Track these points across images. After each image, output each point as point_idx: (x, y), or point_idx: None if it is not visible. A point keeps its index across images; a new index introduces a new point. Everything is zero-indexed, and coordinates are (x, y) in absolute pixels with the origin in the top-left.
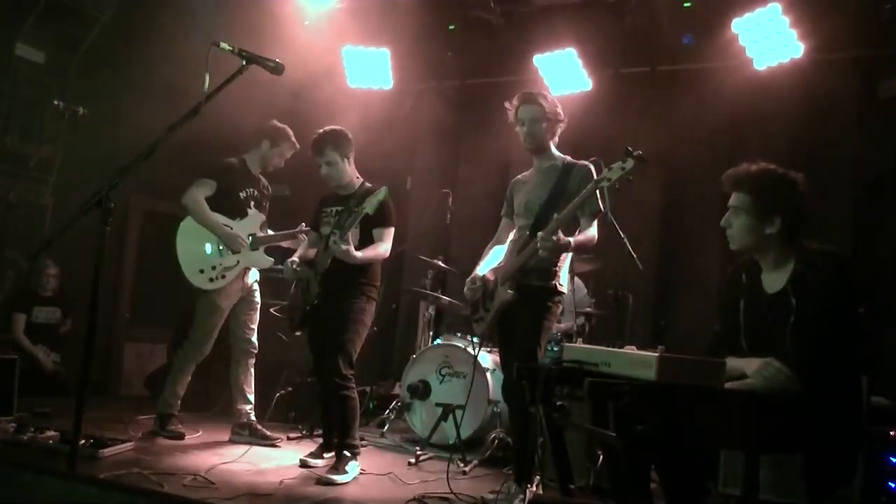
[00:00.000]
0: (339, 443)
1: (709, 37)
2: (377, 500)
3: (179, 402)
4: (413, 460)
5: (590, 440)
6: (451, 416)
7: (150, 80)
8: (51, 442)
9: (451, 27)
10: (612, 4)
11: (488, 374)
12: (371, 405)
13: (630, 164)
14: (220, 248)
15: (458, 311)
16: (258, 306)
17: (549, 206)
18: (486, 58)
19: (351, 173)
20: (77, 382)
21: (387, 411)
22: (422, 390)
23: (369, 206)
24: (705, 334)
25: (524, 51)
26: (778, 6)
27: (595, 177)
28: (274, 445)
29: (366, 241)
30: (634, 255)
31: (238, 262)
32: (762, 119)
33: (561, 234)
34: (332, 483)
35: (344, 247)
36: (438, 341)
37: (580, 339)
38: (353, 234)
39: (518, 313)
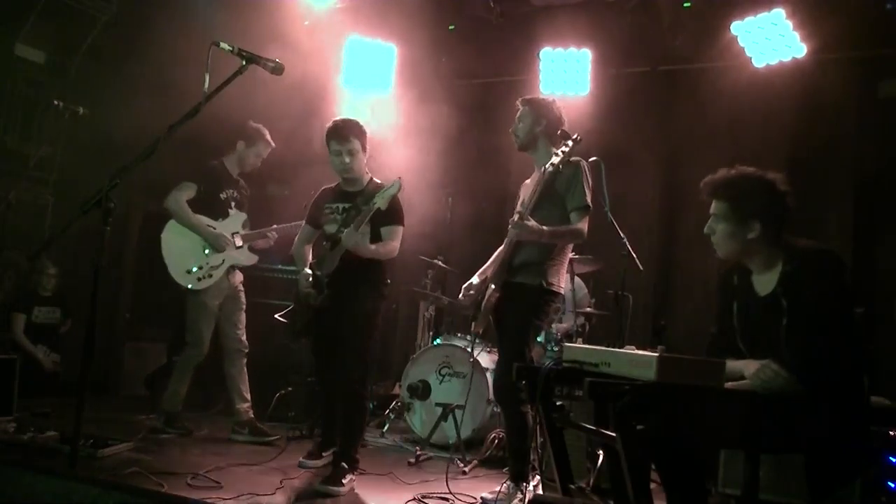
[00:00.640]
0: (341, 451)
1: (709, 37)
2: (377, 500)
3: (181, 401)
4: (413, 460)
5: (590, 440)
6: (451, 416)
7: (150, 80)
8: (51, 442)
9: (451, 27)
10: (612, 4)
11: (488, 374)
12: (371, 405)
13: (570, 146)
14: (205, 248)
15: (458, 311)
16: (244, 306)
17: (540, 202)
18: (485, 57)
19: (364, 168)
20: (77, 382)
21: (387, 411)
22: (422, 390)
23: (381, 201)
24: (705, 334)
25: (524, 51)
26: (781, 11)
27: (584, 172)
28: (273, 444)
29: (375, 239)
30: (634, 255)
31: (223, 260)
32: (762, 119)
33: (533, 221)
34: (328, 494)
35: (357, 238)
36: (438, 341)
37: (580, 339)
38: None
39: (507, 311)
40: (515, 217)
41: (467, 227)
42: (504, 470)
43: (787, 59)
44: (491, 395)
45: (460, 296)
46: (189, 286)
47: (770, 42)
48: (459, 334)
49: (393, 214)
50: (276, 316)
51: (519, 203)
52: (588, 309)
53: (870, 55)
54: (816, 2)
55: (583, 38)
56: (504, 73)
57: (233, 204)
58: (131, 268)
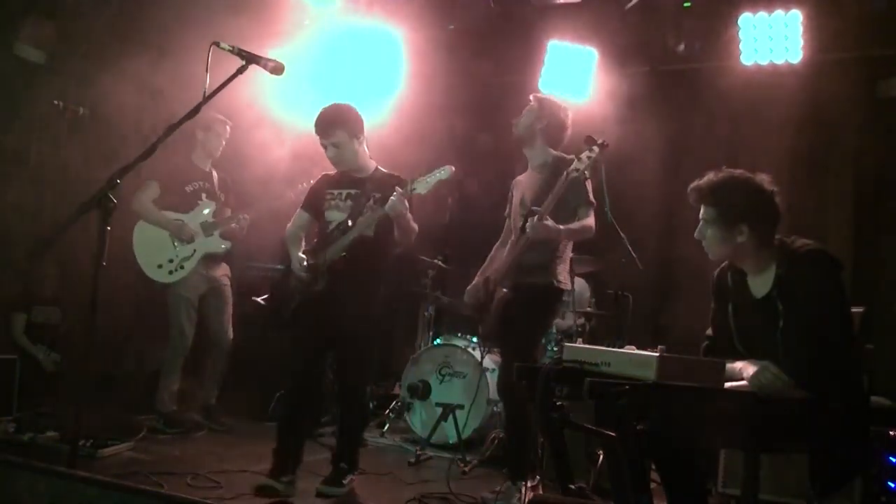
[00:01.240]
0: (341, 452)
1: (709, 37)
2: (377, 500)
3: (176, 398)
4: (413, 460)
5: (590, 440)
6: (451, 416)
7: (151, 80)
8: (51, 442)
9: (451, 27)
10: (612, 4)
11: (488, 374)
12: (371, 405)
13: (596, 152)
14: (174, 241)
15: (458, 311)
16: (230, 300)
17: (538, 201)
18: (485, 57)
19: (364, 156)
20: (77, 382)
21: (387, 411)
22: (422, 390)
23: (423, 186)
24: (702, 337)
25: (524, 51)
26: (799, 13)
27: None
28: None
29: (382, 224)
30: (634, 255)
31: (194, 250)
32: (762, 119)
33: (551, 221)
34: (329, 495)
35: (546, 222)
36: (438, 341)
37: (580, 339)
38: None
39: (516, 311)
40: (535, 218)
41: (467, 227)
42: (504, 470)
43: (780, 62)
44: (491, 395)
45: (466, 298)
46: (162, 280)
47: (770, 42)
48: (459, 334)
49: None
50: (258, 299)
51: (517, 202)
52: (588, 309)
53: (870, 55)
54: (817, 1)
55: (582, 39)
56: (504, 72)
57: (203, 196)
58: (131, 268)
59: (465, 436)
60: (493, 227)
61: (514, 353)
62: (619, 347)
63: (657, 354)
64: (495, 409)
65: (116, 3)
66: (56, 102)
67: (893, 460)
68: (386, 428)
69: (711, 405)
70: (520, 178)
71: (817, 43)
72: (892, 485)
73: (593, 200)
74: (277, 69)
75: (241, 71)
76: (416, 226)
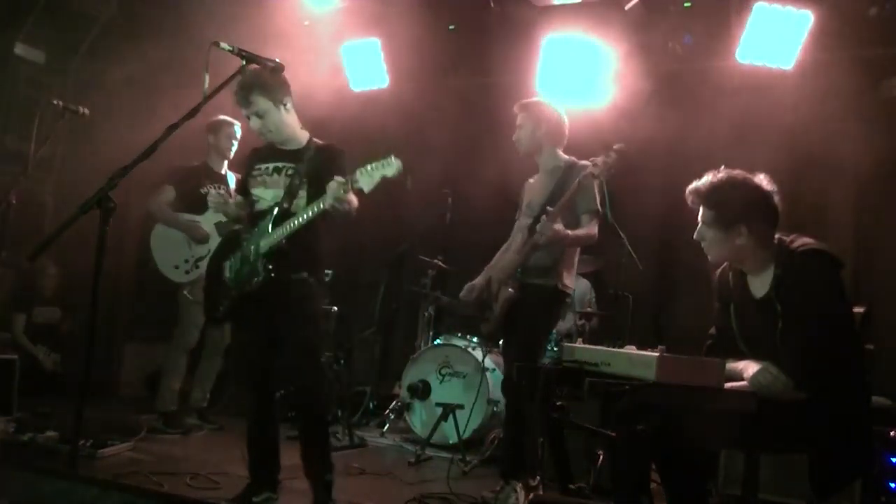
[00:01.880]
0: (317, 473)
1: (709, 37)
2: (377, 500)
3: (177, 398)
4: (413, 460)
5: (590, 440)
6: (451, 416)
7: (150, 80)
8: (51, 442)
9: (451, 27)
10: (612, 4)
11: (488, 374)
12: (371, 405)
13: (612, 157)
14: (189, 242)
15: (458, 311)
16: None
17: (550, 205)
18: (486, 57)
19: (293, 125)
20: (77, 382)
21: (387, 411)
22: (422, 390)
23: (366, 180)
24: (705, 335)
25: (524, 51)
26: (810, 15)
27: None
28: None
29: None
30: (634, 255)
31: (209, 250)
32: (762, 119)
33: (560, 225)
34: None
35: (556, 225)
36: (438, 341)
37: (580, 339)
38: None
39: (521, 311)
40: (545, 219)
41: (467, 227)
42: (499, 470)
43: (771, 65)
44: (491, 395)
45: (461, 294)
46: (178, 280)
47: (773, 40)
48: (459, 334)
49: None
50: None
51: (524, 204)
52: (588, 309)
53: (870, 55)
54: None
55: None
56: (504, 72)
57: None
58: (131, 268)
59: (465, 436)
60: (494, 227)
61: (517, 353)
62: (619, 347)
63: (657, 354)
64: (495, 409)
65: (116, 3)
66: (56, 102)
67: (893, 460)
68: (386, 428)
69: (711, 405)
70: (531, 181)
71: (818, 43)
72: (893, 485)
73: (599, 209)
74: (277, 69)
75: (241, 71)
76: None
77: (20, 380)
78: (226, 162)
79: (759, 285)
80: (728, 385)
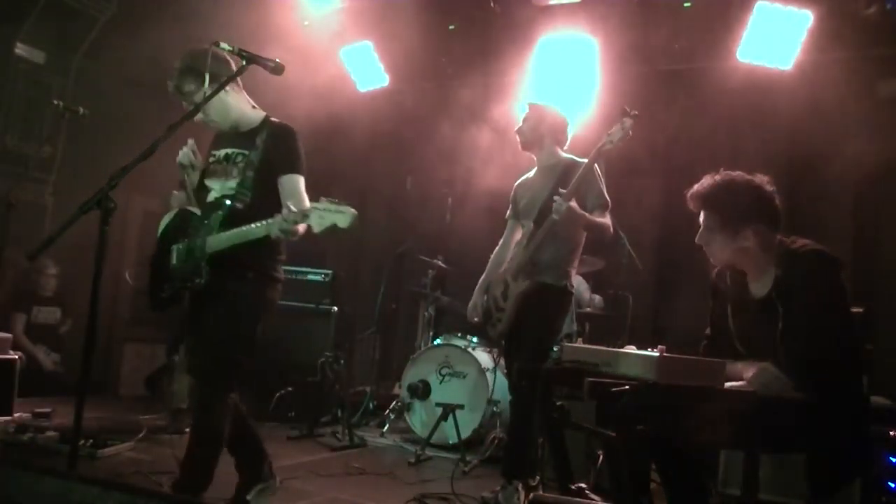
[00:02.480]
0: (187, 485)
1: (709, 37)
2: (377, 500)
3: (185, 396)
4: (413, 460)
5: (590, 440)
6: (451, 416)
7: (151, 80)
8: (51, 442)
9: (452, 27)
10: (612, 4)
11: (488, 374)
12: (371, 405)
13: (628, 123)
14: None
15: (458, 311)
16: None
17: (551, 199)
18: (486, 57)
19: (239, 106)
20: (77, 382)
21: (387, 411)
22: (422, 390)
23: (317, 222)
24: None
25: (524, 51)
26: (810, 15)
27: (597, 171)
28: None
29: (267, 194)
30: (634, 255)
31: None
32: (762, 119)
33: (575, 204)
34: None
35: (572, 205)
36: (438, 341)
37: (580, 339)
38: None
39: (531, 309)
40: (557, 198)
41: (467, 227)
42: (502, 469)
43: (771, 65)
44: (491, 395)
45: (470, 317)
46: None
47: (773, 40)
48: (459, 334)
49: (298, 161)
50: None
51: (522, 203)
52: (588, 309)
53: (870, 55)
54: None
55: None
56: (504, 72)
57: None
58: (131, 268)
59: (465, 436)
60: (493, 227)
61: (527, 351)
62: (619, 347)
63: (657, 354)
64: (495, 409)
65: (116, 3)
66: (56, 102)
67: (893, 460)
68: (386, 428)
69: (711, 405)
70: (524, 180)
71: (817, 43)
72: (892, 485)
73: (609, 201)
74: (277, 69)
75: (241, 71)
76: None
77: (20, 380)
78: None
79: (760, 286)
80: (728, 385)
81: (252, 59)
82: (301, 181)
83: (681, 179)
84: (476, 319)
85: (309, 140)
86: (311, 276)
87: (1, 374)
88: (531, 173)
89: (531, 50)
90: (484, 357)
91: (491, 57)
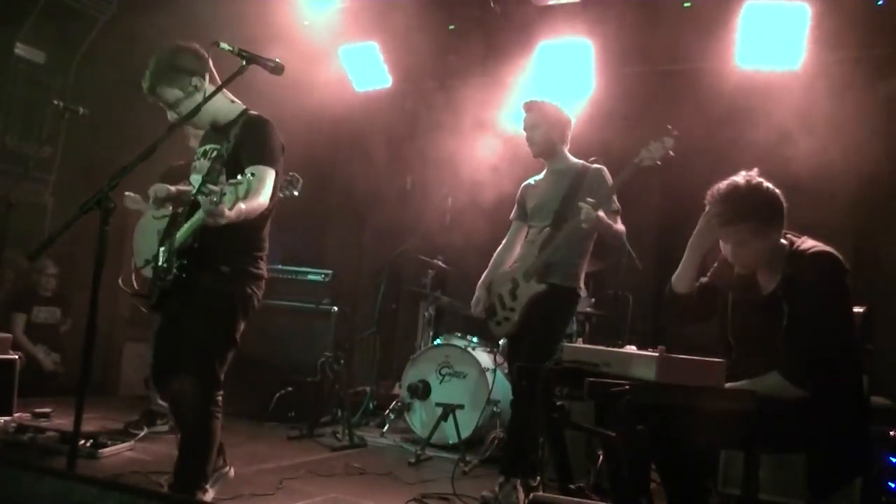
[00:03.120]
0: (183, 483)
1: (709, 37)
2: (377, 500)
3: None
4: (413, 460)
5: (590, 440)
6: (451, 416)
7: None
8: (51, 442)
9: (451, 27)
10: (612, 4)
11: (488, 374)
12: (371, 405)
13: (669, 143)
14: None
15: (458, 311)
16: None
17: (567, 204)
18: (486, 57)
19: (215, 103)
20: (77, 382)
21: (387, 411)
22: (422, 390)
23: (229, 198)
24: (705, 334)
25: (524, 51)
26: (807, 8)
27: (608, 178)
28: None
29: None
30: (634, 255)
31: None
32: (761, 119)
33: (603, 214)
34: None
35: (223, 211)
36: (438, 341)
37: (580, 339)
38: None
39: (542, 311)
40: (583, 205)
41: (467, 227)
42: (500, 468)
43: (779, 69)
44: (491, 396)
45: (473, 312)
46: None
47: (772, 39)
48: (459, 334)
49: (265, 151)
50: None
51: (531, 207)
52: (588, 309)
53: (870, 55)
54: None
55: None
56: (504, 72)
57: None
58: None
59: (465, 436)
60: (493, 227)
61: (532, 351)
62: (619, 347)
63: (657, 354)
64: (495, 409)
65: (116, 3)
66: (56, 102)
67: (893, 460)
68: (386, 428)
69: (711, 405)
70: (533, 182)
71: (818, 43)
72: (892, 485)
73: (619, 208)
74: (277, 69)
75: (241, 71)
76: (255, 204)
77: (20, 380)
78: None
79: (767, 282)
80: (728, 385)
81: (252, 59)
82: (268, 172)
83: (680, 179)
84: (478, 312)
85: (308, 140)
86: (311, 276)
87: (1, 374)
88: (540, 176)
89: (531, 50)
90: (484, 357)
91: (491, 57)
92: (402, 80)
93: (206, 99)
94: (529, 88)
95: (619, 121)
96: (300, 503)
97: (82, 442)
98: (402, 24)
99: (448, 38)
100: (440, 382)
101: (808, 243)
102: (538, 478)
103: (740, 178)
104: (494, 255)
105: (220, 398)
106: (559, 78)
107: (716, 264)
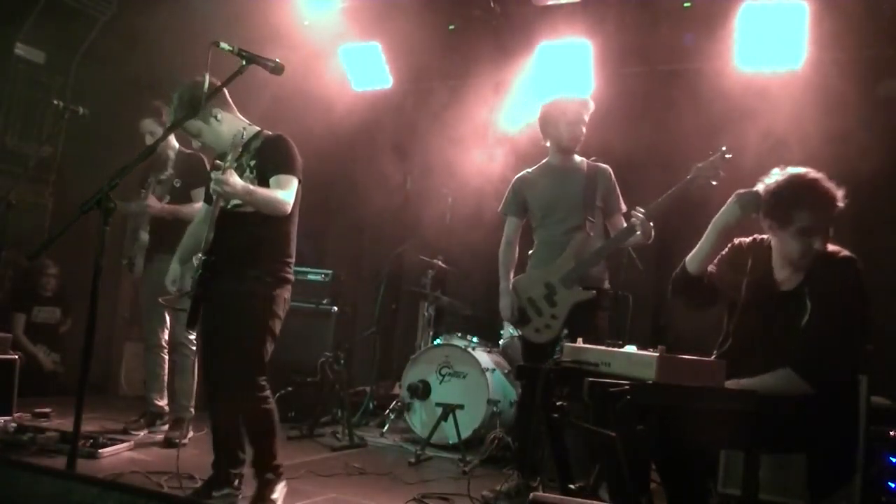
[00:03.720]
0: (258, 463)
1: (709, 37)
2: (377, 500)
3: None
4: (413, 460)
5: (590, 440)
6: (451, 416)
7: (151, 80)
8: (51, 442)
9: (451, 27)
10: (612, 4)
11: (488, 374)
12: (371, 405)
13: (720, 164)
14: None
15: (459, 311)
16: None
17: (587, 204)
18: (486, 57)
19: (231, 129)
20: (77, 382)
21: (387, 411)
22: (422, 390)
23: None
24: (706, 334)
25: (524, 51)
26: (805, 6)
27: (613, 178)
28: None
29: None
30: (634, 256)
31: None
32: (761, 119)
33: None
34: None
35: (227, 178)
36: (438, 341)
37: (580, 339)
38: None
39: (587, 316)
40: (635, 220)
41: (467, 227)
42: (504, 470)
43: (779, 69)
44: (491, 395)
45: (507, 319)
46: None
47: (771, 40)
48: (459, 334)
49: (287, 161)
50: (161, 300)
51: (539, 203)
52: None
53: (870, 55)
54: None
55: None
56: (504, 72)
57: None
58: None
59: (465, 436)
60: (494, 226)
61: None
62: (619, 347)
63: (657, 354)
64: (495, 409)
65: (116, 3)
66: (56, 102)
67: (893, 460)
68: (386, 428)
69: (711, 405)
70: (528, 176)
71: (817, 43)
72: (892, 485)
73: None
74: (277, 69)
75: (241, 71)
76: (273, 196)
77: (20, 380)
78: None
79: (788, 277)
80: (728, 383)
81: (252, 59)
82: (290, 178)
83: (680, 179)
84: (513, 318)
85: (308, 140)
86: (311, 276)
87: (1, 374)
88: (535, 170)
89: (531, 50)
90: (484, 357)
91: (491, 56)
92: (403, 79)
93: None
94: (529, 88)
95: (619, 121)
96: (300, 503)
97: (82, 442)
98: (401, 24)
99: (448, 38)
100: (440, 382)
101: (832, 246)
102: (538, 478)
103: (798, 171)
104: (501, 255)
105: (265, 382)
106: (559, 78)
107: (724, 252)
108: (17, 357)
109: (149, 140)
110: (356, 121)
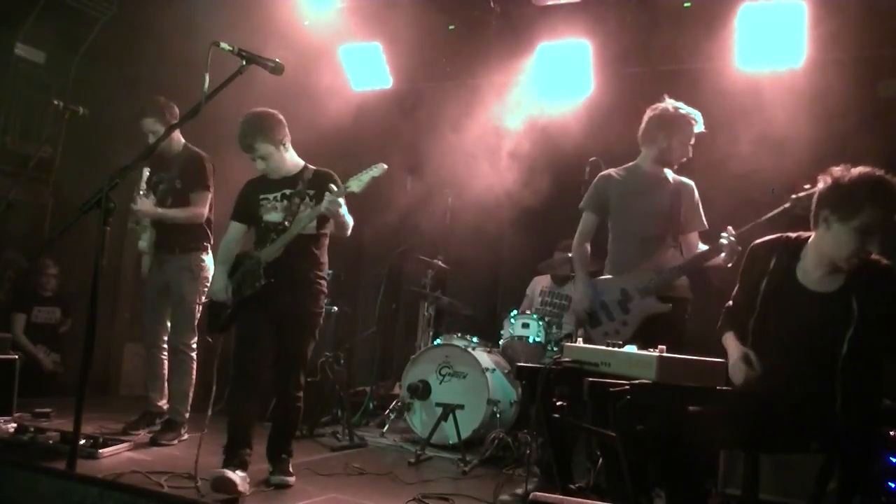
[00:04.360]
0: (280, 448)
1: (709, 37)
2: (377, 500)
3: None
4: (413, 460)
5: (590, 440)
6: (451, 416)
7: (151, 80)
8: (51, 442)
9: (451, 27)
10: (612, 4)
11: (488, 374)
12: (371, 405)
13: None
14: None
15: (459, 311)
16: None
17: (673, 218)
18: (486, 57)
19: (291, 159)
20: (77, 382)
21: (387, 411)
22: (422, 390)
23: (356, 184)
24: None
25: (524, 51)
26: (804, 5)
27: (697, 194)
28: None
29: (320, 223)
30: None
31: None
32: (762, 119)
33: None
34: (286, 485)
35: (339, 200)
36: (438, 341)
37: (580, 339)
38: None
39: (660, 324)
40: (727, 240)
41: (467, 227)
42: (504, 470)
43: (779, 68)
44: (491, 395)
45: (582, 309)
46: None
47: (771, 40)
48: (459, 334)
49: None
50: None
51: (620, 203)
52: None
53: (870, 55)
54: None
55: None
56: (504, 72)
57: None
58: (131, 268)
59: (465, 436)
60: (493, 226)
61: None
62: (619, 347)
63: (657, 354)
64: (495, 409)
65: (116, 3)
66: (56, 102)
67: (893, 460)
68: (386, 428)
69: (711, 405)
70: (617, 177)
71: (817, 43)
72: (892, 485)
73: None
74: (277, 69)
75: (241, 71)
76: (351, 220)
77: (20, 380)
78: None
79: (824, 280)
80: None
81: (252, 59)
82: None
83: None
84: (583, 312)
85: (308, 140)
86: None
87: (1, 374)
88: (625, 172)
89: (531, 50)
90: (484, 357)
91: (491, 56)
92: (402, 79)
93: (207, 98)
94: (529, 88)
95: (619, 121)
96: (300, 503)
97: (82, 442)
98: (401, 24)
99: (448, 38)
100: (440, 382)
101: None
102: (536, 478)
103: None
104: (575, 252)
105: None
106: (559, 78)
107: (744, 261)
108: (17, 357)
109: (151, 139)
110: (356, 121)
